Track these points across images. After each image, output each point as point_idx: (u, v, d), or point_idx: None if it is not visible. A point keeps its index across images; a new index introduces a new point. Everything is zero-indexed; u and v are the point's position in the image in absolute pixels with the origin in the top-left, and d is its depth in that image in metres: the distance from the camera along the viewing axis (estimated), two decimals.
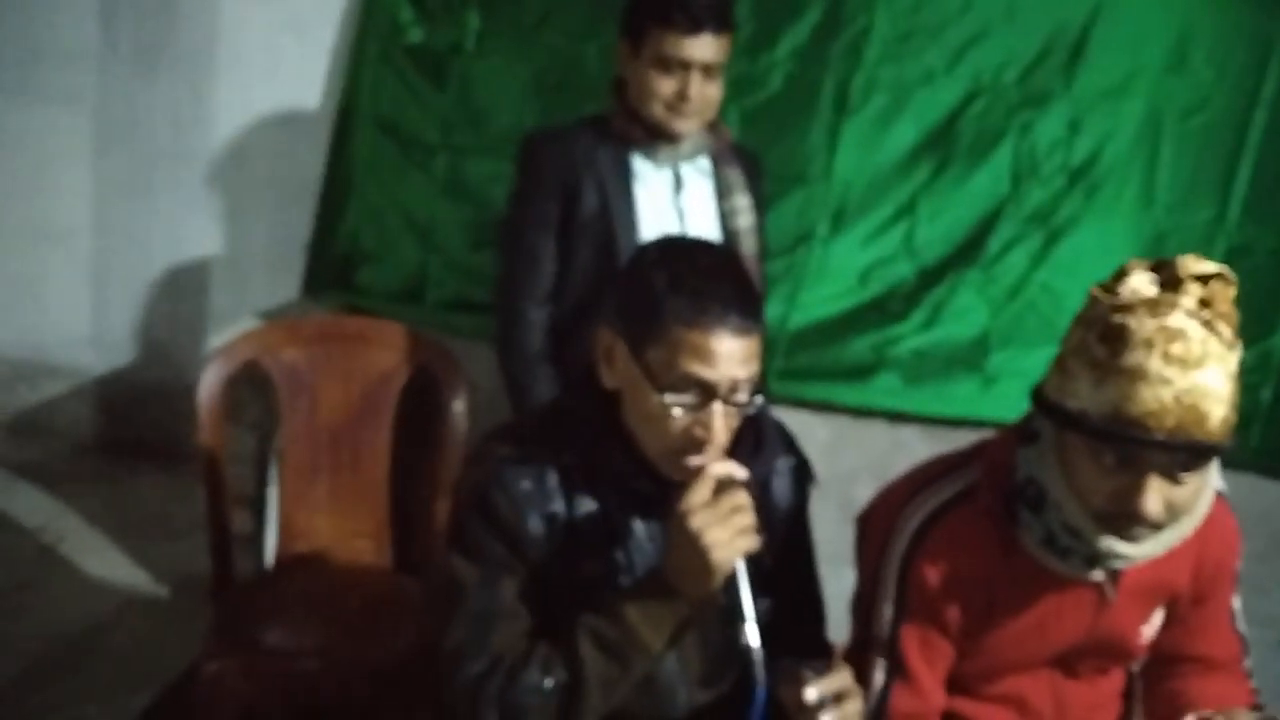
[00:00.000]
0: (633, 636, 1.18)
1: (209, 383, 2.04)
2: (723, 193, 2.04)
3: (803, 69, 2.62)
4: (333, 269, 2.89)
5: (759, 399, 1.25)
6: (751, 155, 2.15)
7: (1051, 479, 1.23)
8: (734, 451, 1.26)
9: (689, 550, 1.15)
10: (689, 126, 1.96)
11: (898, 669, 1.35)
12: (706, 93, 1.93)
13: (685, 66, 1.89)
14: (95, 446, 3.21)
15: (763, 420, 1.35)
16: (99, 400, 3.20)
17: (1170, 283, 1.16)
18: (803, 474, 1.46)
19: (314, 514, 2.19)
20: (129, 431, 3.18)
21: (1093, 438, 1.16)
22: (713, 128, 2.05)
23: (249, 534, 2.45)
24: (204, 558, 2.55)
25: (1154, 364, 1.11)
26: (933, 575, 1.32)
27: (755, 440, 1.32)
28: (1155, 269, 1.19)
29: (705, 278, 1.22)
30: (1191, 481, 1.17)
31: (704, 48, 1.88)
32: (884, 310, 2.60)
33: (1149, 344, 1.12)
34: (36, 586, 2.50)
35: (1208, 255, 1.21)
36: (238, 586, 2.11)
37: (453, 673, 1.23)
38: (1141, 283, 1.17)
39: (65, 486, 2.97)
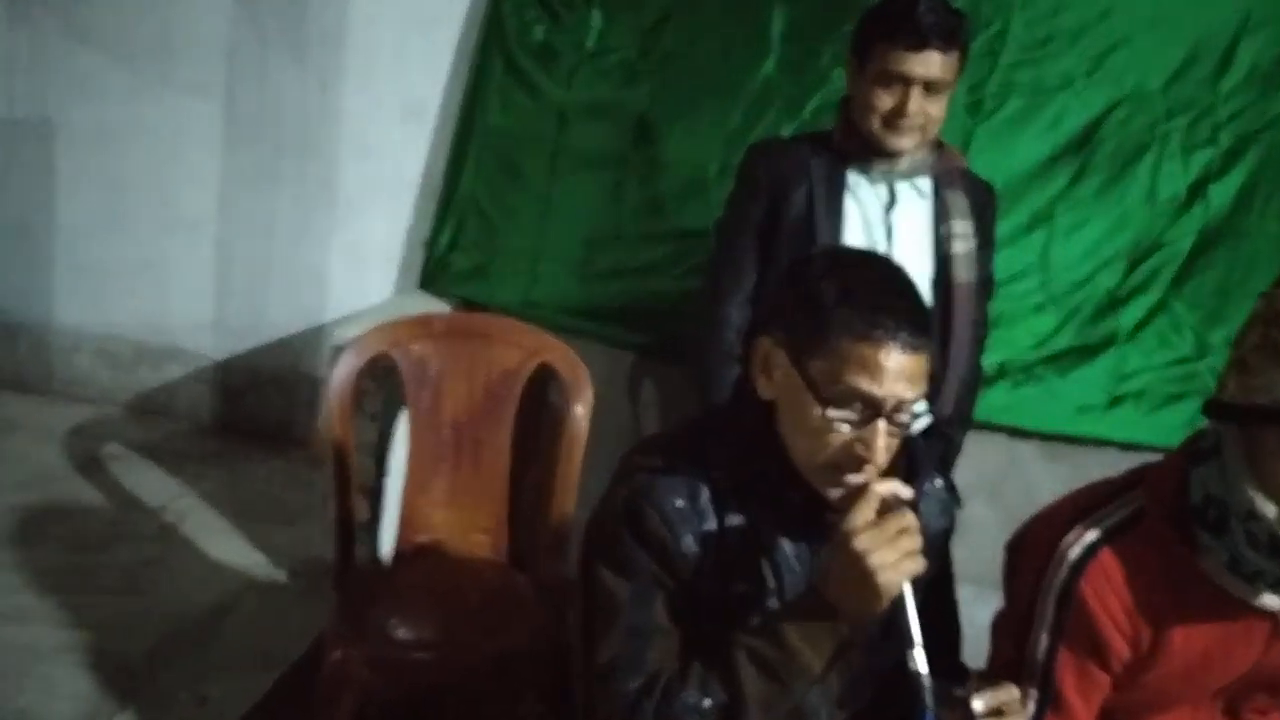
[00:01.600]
0: (794, 658, 1.15)
1: (341, 374, 2.07)
2: (940, 216, 1.99)
3: None
4: (450, 265, 2.92)
5: (923, 420, 1.21)
6: (984, 185, 2.09)
7: (1240, 492, 1.17)
8: (886, 473, 1.21)
9: (853, 572, 1.12)
10: (905, 143, 1.91)
11: (1052, 700, 1.31)
12: (928, 110, 1.88)
13: (906, 82, 1.85)
14: (213, 429, 3.30)
15: (914, 442, 1.31)
16: (218, 384, 3.29)
17: None
18: (950, 498, 1.41)
19: (434, 506, 2.21)
20: (246, 416, 3.26)
21: None
22: (940, 149, 2.01)
23: (365, 522, 2.48)
24: (319, 543, 2.61)
25: None
26: (1096, 604, 1.27)
27: (908, 462, 1.28)
28: None
29: (877, 291, 1.18)
30: None
31: (928, 65, 1.84)
32: (1010, 323, 2.53)
33: None
34: (160, 564, 2.57)
35: None
36: (359, 575, 2.14)
37: (607, 688, 1.21)
38: None
39: (185, 467, 3.05)
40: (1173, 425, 2.54)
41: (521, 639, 1.98)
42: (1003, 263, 2.54)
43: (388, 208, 3.06)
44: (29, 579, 2.42)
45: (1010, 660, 1.36)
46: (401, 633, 1.94)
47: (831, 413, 1.16)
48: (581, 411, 2.21)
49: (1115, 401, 2.55)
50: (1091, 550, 1.28)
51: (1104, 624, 1.27)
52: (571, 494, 2.21)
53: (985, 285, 2.10)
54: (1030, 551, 1.35)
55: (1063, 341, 2.55)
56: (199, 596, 2.43)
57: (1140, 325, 2.52)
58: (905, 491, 1.17)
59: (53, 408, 3.32)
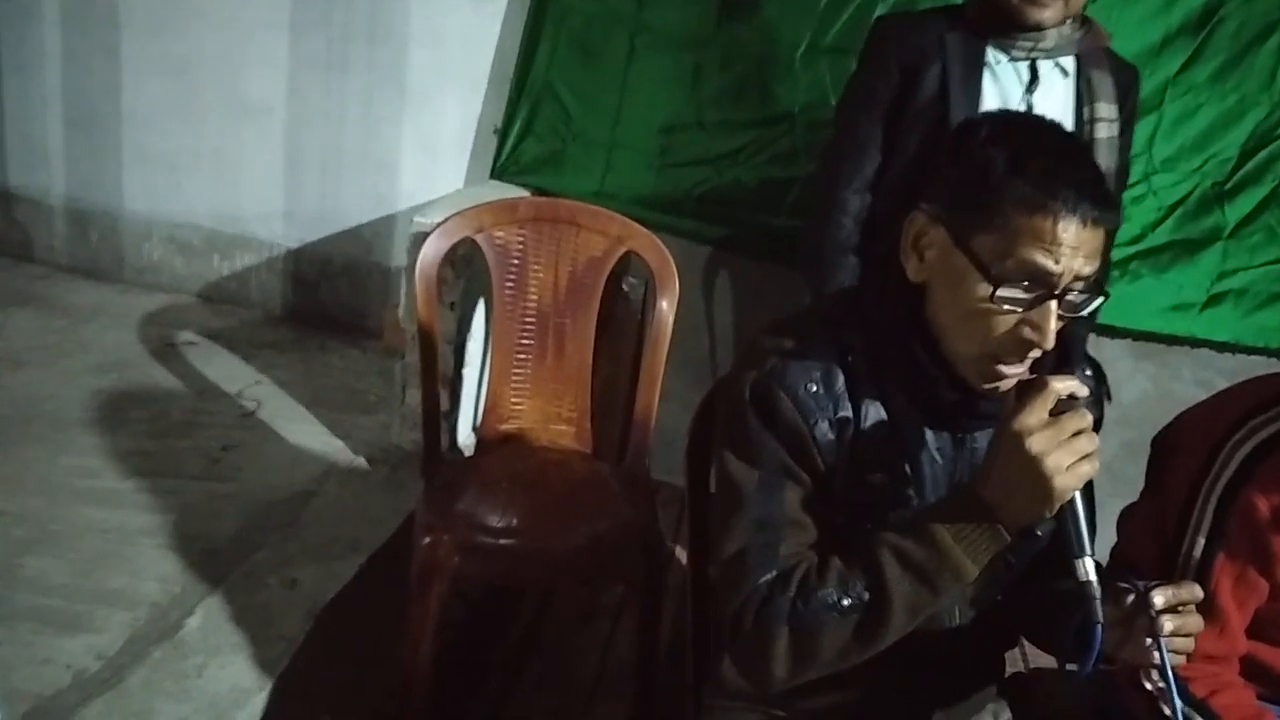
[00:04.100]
0: (946, 560, 1.02)
1: (426, 258, 1.94)
2: (1084, 97, 1.79)
3: None
4: (522, 153, 2.74)
5: (1097, 301, 1.06)
6: (1128, 67, 1.89)
7: None
8: (1036, 366, 1.08)
9: (1025, 475, 0.98)
10: (1046, 15, 1.71)
11: (1205, 605, 1.17)
12: None
13: None
14: (285, 318, 3.20)
15: (1068, 332, 1.16)
16: (290, 273, 3.16)
17: None
18: (1101, 391, 1.26)
19: (518, 395, 2.10)
20: (318, 305, 3.15)
21: None
22: (1085, 25, 1.80)
23: (444, 411, 2.38)
24: (397, 430, 2.53)
25: None
26: (1265, 508, 1.15)
27: (1061, 352, 1.12)
28: None
29: (1054, 158, 1.03)
30: None
31: None
32: None
33: None
34: (241, 450, 2.49)
35: None
36: (446, 463, 2.05)
37: (736, 581, 1.09)
38: None
39: (260, 355, 2.95)
40: (1272, 326, 2.38)
41: (607, 528, 1.90)
42: None
43: (459, 94, 2.86)
44: (111, 463, 2.35)
45: (1145, 555, 1.24)
46: (490, 520, 1.85)
47: (1001, 292, 1.01)
48: (667, 304, 2.07)
49: (1212, 300, 2.38)
50: (1264, 449, 1.15)
51: (1270, 528, 1.15)
52: (655, 387, 2.10)
53: (1122, 173, 1.91)
54: (1189, 447, 1.22)
55: (1162, 236, 2.37)
56: (281, 482, 2.35)
57: (1246, 220, 2.32)
58: (1082, 390, 1.02)
59: (126, 295, 3.22)
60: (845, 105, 1.94)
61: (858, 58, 1.92)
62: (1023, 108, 1.77)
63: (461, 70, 2.85)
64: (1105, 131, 1.79)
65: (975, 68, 1.76)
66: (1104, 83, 1.79)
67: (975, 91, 1.76)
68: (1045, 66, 1.78)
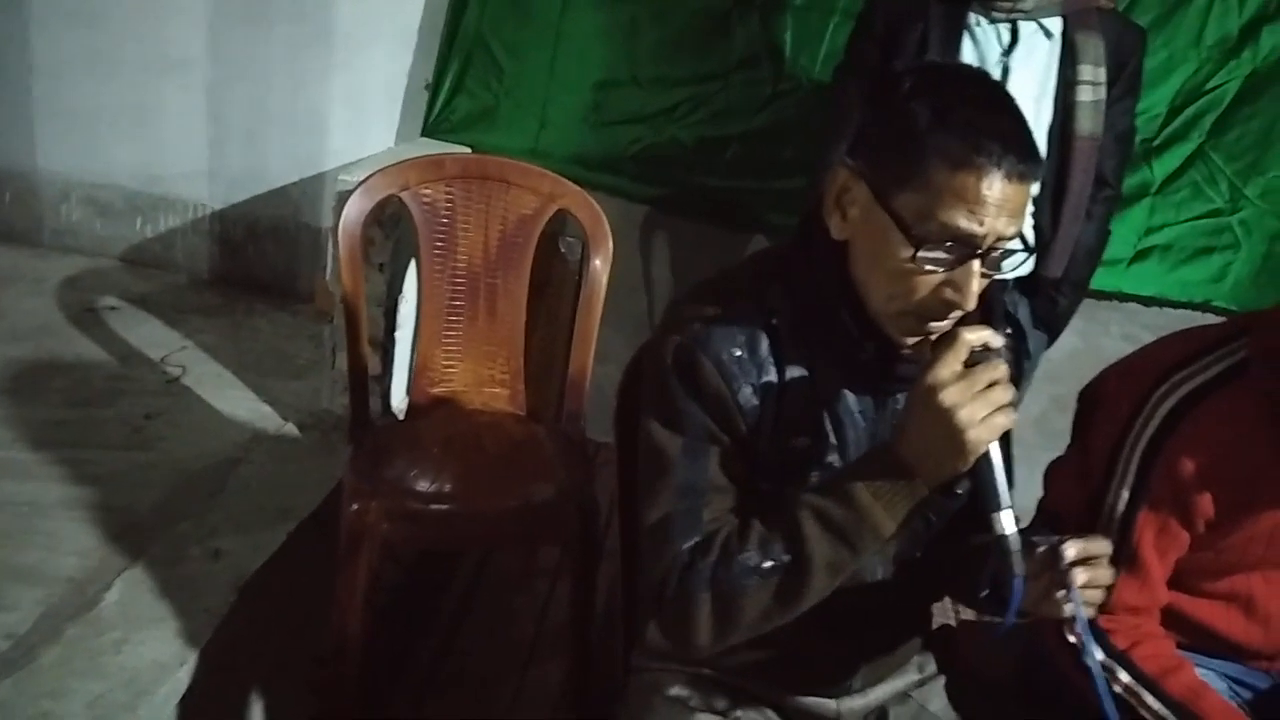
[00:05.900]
0: (864, 518, 1.00)
1: (349, 217, 1.86)
2: (1067, 60, 1.74)
3: None
4: (454, 109, 2.66)
5: (1018, 258, 1.03)
6: (1131, 29, 1.84)
7: None
8: (964, 320, 1.05)
9: (938, 429, 0.96)
10: None
11: (1127, 557, 1.19)
12: None
13: None
14: (211, 281, 3.08)
15: (991, 286, 1.14)
16: (216, 236, 3.04)
17: None
18: (1020, 349, 1.25)
19: (449, 358, 2.04)
20: (245, 268, 3.03)
21: None
22: None
23: (375, 375, 2.31)
24: (327, 396, 2.46)
25: None
26: (1187, 461, 1.14)
27: (982, 309, 1.10)
28: None
29: (979, 110, 0.98)
30: None
31: None
32: None
33: None
34: (165, 418, 2.39)
35: None
36: (375, 428, 1.98)
37: (660, 548, 1.07)
38: None
39: (185, 320, 2.84)
40: (1196, 280, 2.40)
41: (541, 491, 1.86)
42: None
43: (388, 48, 2.75)
44: (27, 433, 2.24)
45: (1070, 509, 1.24)
46: (420, 485, 1.80)
47: (922, 254, 0.98)
48: (601, 263, 2.02)
49: (1139, 256, 2.40)
50: (1187, 403, 1.14)
51: (1193, 481, 1.15)
52: (590, 347, 2.05)
53: (1125, 139, 1.88)
54: (1113, 402, 1.21)
55: None
56: (207, 450, 2.26)
57: (1173, 176, 2.33)
58: (996, 340, 0.99)
59: (44, 260, 3.07)
60: (839, 68, 1.93)
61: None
62: (999, 70, 1.73)
63: (391, 22, 2.73)
64: (1089, 95, 1.75)
65: (956, 30, 1.73)
66: (1090, 45, 1.75)
67: (954, 55, 1.73)
68: (1027, 29, 1.74)
